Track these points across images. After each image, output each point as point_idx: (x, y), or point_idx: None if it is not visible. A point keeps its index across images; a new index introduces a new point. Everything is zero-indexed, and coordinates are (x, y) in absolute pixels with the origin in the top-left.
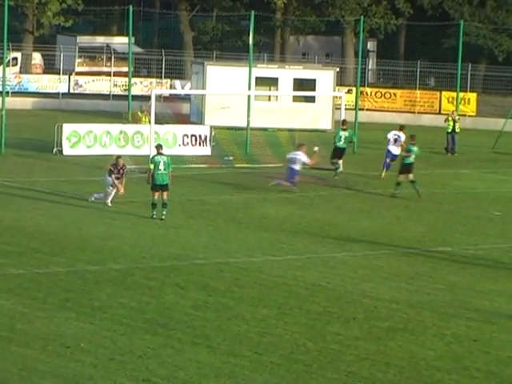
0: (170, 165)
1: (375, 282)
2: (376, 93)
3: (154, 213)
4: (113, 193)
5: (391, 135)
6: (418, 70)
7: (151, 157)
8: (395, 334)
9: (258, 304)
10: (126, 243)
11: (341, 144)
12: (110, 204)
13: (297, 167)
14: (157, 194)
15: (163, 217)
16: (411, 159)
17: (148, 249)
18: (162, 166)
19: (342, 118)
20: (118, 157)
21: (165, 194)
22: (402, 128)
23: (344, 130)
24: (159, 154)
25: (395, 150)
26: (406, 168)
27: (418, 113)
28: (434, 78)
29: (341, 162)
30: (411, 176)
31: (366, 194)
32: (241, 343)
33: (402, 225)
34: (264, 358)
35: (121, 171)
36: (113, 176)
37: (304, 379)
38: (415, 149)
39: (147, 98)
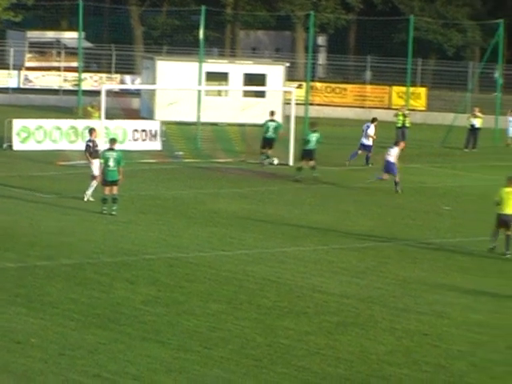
0: (120, 160)
1: (325, 276)
2: (326, 87)
3: (105, 208)
4: (94, 185)
5: (364, 127)
6: (369, 65)
7: (102, 151)
8: (346, 329)
9: (208, 299)
10: (77, 238)
11: (269, 135)
12: (88, 199)
13: (392, 159)
14: (107, 190)
15: (114, 212)
16: (311, 146)
17: (99, 244)
18: (111, 163)
19: (293, 113)
20: (92, 129)
21: (114, 189)
22: (373, 120)
23: (272, 121)
24: (111, 149)
25: (365, 140)
26: (306, 154)
27: (369, 107)
28: (372, 72)
29: (270, 151)
30: (312, 163)
31: (317, 188)
32: (191, 338)
33: (352, 219)
34: (214, 353)
35: (95, 146)
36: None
37: (254, 373)
38: (314, 136)
39: (97, 93)
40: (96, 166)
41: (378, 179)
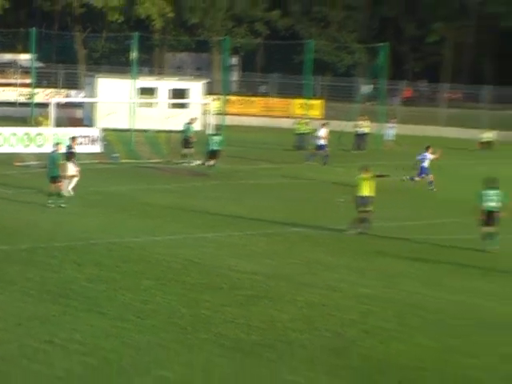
0: (57, 160)
1: (239, 257)
2: (239, 100)
3: (50, 201)
4: (74, 181)
5: (321, 132)
6: (275, 81)
7: (49, 153)
8: (257, 301)
9: (141, 277)
10: (32, 227)
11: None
12: (71, 193)
13: (426, 165)
14: (53, 186)
15: (62, 205)
16: (215, 147)
17: (50, 232)
18: (54, 163)
19: (212, 122)
20: (74, 137)
21: (58, 185)
22: (324, 125)
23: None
24: (55, 151)
25: (318, 141)
26: (213, 154)
27: (274, 117)
28: (268, 86)
29: (212, 161)
30: (212, 162)
31: (233, 184)
32: (127, 310)
33: (263, 210)
34: (146, 322)
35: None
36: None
37: (180, 339)
38: (218, 138)
39: (47, 105)
40: (71, 167)
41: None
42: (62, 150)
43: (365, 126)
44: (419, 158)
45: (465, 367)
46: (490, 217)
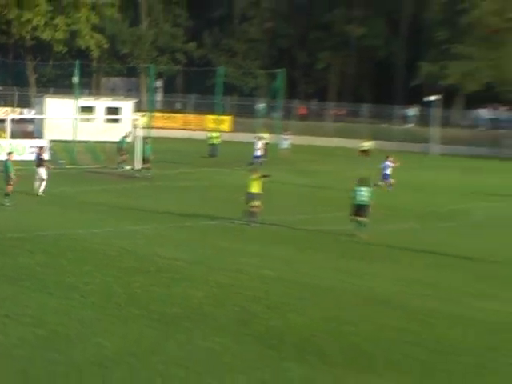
0: (8, 168)
1: (164, 246)
2: (163, 116)
3: (6, 200)
4: (43, 184)
5: (257, 145)
6: (192, 101)
7: (4, 161)
8: (178, 282)
9: (83, 263)
10: None
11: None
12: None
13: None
14: (9, 188)
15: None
16: (147, 154)
17: (6, 225)
18: (6, 168)
19: (140, 134)
20: (42, 147)
21: (8, 187)
22: (260, 138)
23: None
24: (9, 159)
25: (256, 153)
26: (145, 160)
27: (192, 130)
28: (183, 104)
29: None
30: (148, 165)
31: (158, 185)
32: (71, 290)
33: (179, 205)
34: (88, 300)
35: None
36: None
37: (116, 314)
38: (148, 147)
39: (4, 121)
40: (43, 171)
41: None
42: (14, 158)
43: (265, 138)
44: (382, 166)
45: (348, 334)
46: (361, 209)
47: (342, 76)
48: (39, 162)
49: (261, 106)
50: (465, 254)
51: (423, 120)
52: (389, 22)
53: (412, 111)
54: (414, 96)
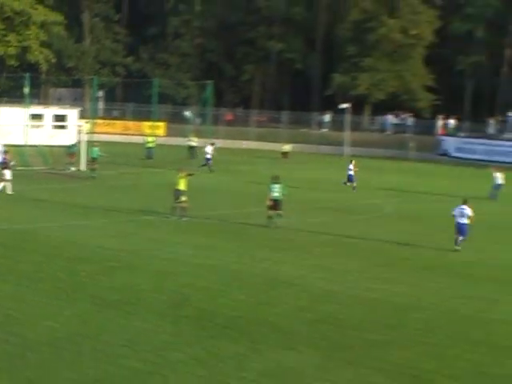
0: None
1: (107, 238)
2: (104, 123)
3: None
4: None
5: (208, 149)
6: (130, 109)
7: None
8: (119, 270)
9: (34, 253)
10: None
11: (94, 155)
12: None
13: (352, 173)
14: None
15: None
16: (94, 155)
17: None
18: None
19: (84, 139)
20: (7, 150)
21: None
22: (212, 144)
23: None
24: None
25: (207, 156)
26: (92, 161)
27: (130, 135)
28: (120, 112)
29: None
30: (95, 166)
31: (102, 184)
32: (24, 278)
33: (121, 202)
34: (38, 286)
35: (9, 161)
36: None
37: (64, 299)
38: (96, 149)
39: None
40: (8, 173)
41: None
42: None
43: (195, 141)
44: (348, 168)
45: (268, 314)
46: (275, 203)
47: (264, 86)
48: (4, 164)
49: (187, 113)
50: (372, 243)
51: (337, 125)
52: (305, 39)
53: (327, 117)
54: (329, 104)
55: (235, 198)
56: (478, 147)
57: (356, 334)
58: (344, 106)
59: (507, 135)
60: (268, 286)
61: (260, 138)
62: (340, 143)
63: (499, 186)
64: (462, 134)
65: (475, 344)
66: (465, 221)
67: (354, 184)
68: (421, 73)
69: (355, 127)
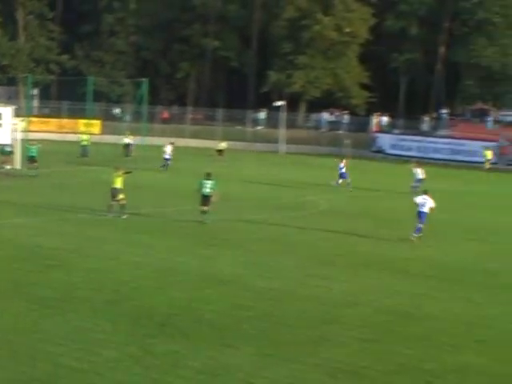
0: None
1: (43, 236)
2: (39, 120)
3: None
4: None
5: (168, 148)
6: (65, 106)
7: None
8: (55, 268)
9: None
10: None
11: (32, 154)
12: None
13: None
14: None
15: None
16: (32, 154)
17: None
18: None
19: (19, 137)
20: None
21: None
22: (171, 143)
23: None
24: None
25: (166, 156)
26: (30, 159)
27: (65, 133)
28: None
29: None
30: (35, 165)
31: (37, 182)
32: None
33: (58, 200)
34: None
35: None
36: None
37: (20, 285)
38: (35, 147)
39: None
40: None
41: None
42: None
43: (130, 139)
44: (339, 167)
45: (205, 312)
46: (206, 199)
47: (199, 84)
48: None
49: (117, 110)
50: (309, 240)
51: (272, 123)
52: (241, 36)
53: (262, 115)
54: (264, 101)
55: (172, 195)
56: (412, 144)
57: (292, 331)
58: (279, 103)
59: (441, 132)
60: (204, 283)
61: (195, 135)
62: (275, 140)
63: (420, 180)
64: (397, 131)
65: (412, 340)
66: (425, 210)
67: (348, 180)
68: (355, 70)
69: (290, 125)
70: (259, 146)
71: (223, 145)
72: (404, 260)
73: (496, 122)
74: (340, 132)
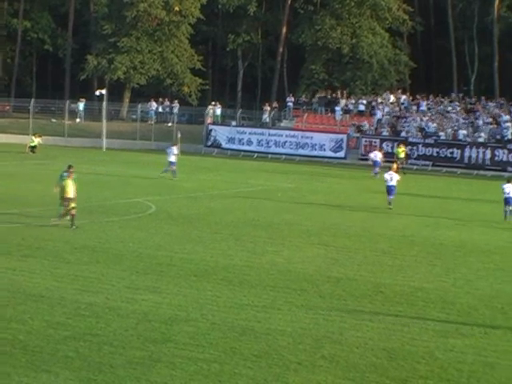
0: None
1: None
2: None
3: None
4: None
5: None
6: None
7: None
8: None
9: None
10: None
11: None
12: None
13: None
14: None
15: None
16: None
17: None
18: None
19: None
20: None
21: None
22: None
23: None
24: None
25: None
26: None
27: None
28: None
29: None
30: None
31: None
32: None
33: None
34: None
35: None
36: None
37: None
38: None
39: None
40: None
41: None
42: None
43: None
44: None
45: (18, 332)
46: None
47: (8, 70)
48: None
49: (80, 106)
50: (133, 248)
51: (93, 115)
52: (55, 15)
53: (81, 106)
54: (83, 90)
55: None
56: (251, 137)
57: (117, 352)
58: (100, 92)
59: (284, 124)
60: (15, 299)
61: (3, 129)
62: (97, 135)
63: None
64: (234, 123)
65: (254, 358)
66: (393, 183)
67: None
68: (187, 54)
69: (113, 116)
70: (78, 141)
71: (37, 140)
72: (240, 268)
73: (346, 111)
74: (170, 124)
